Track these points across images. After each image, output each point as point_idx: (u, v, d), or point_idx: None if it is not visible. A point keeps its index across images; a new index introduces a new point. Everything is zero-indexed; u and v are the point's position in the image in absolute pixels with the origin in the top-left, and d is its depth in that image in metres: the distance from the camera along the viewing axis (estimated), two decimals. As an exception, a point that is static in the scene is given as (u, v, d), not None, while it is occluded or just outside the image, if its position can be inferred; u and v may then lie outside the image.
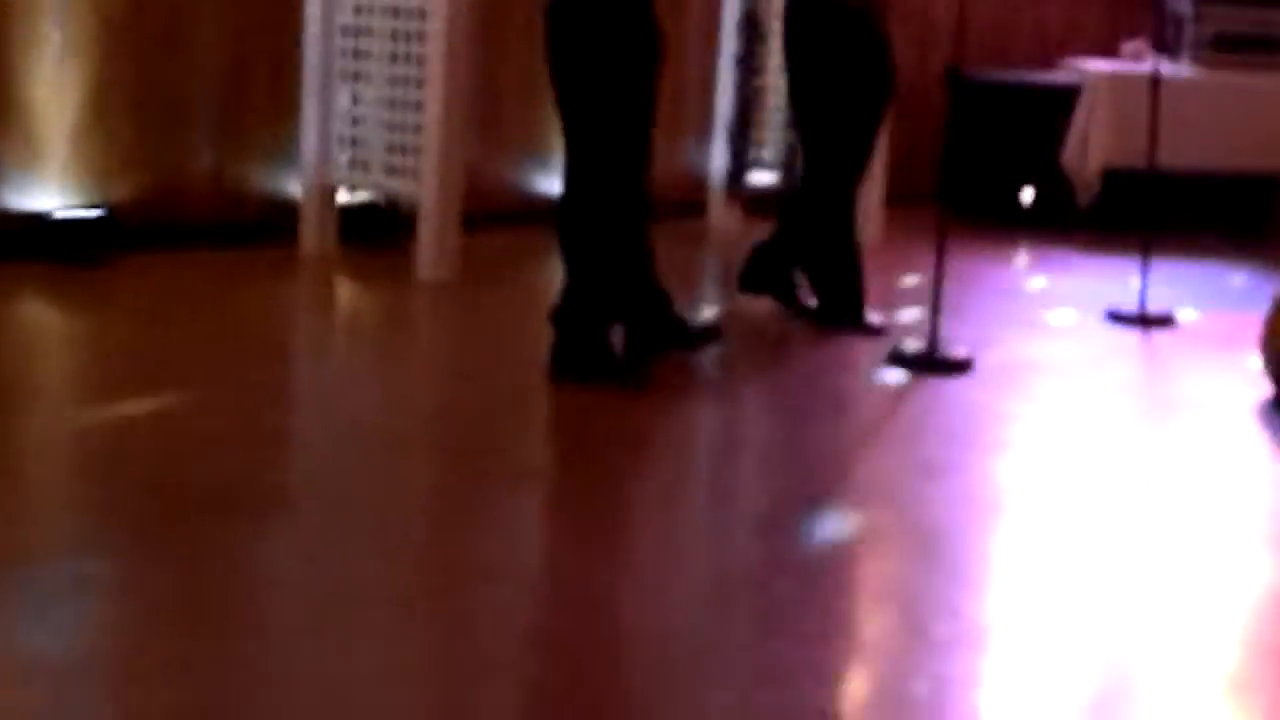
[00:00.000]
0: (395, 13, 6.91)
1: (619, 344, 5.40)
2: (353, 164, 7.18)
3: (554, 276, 7.37)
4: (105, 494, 3.95)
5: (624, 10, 5.20)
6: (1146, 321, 6.70)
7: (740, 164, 8.57)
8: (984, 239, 8.46)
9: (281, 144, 7.40)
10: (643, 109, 5.28)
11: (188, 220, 7.22)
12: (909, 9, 8.98)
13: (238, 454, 4.32)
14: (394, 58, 6.94)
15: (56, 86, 6.83)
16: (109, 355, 5.49)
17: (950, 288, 6.08)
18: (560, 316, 5.32)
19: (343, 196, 7.38)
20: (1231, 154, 8.85)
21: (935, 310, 5.82)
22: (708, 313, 6.31)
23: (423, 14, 6.74)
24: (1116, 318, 6.77)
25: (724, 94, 8.51)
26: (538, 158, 8.38)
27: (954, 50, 6.74)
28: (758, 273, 6.46)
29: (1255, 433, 5.15)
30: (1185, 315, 6.86)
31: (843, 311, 6.33)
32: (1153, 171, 7.16)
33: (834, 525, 4.04)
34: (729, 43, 8.47)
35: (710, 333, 5.67)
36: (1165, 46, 9.34)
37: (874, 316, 6.35)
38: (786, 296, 6.45)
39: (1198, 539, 4.03)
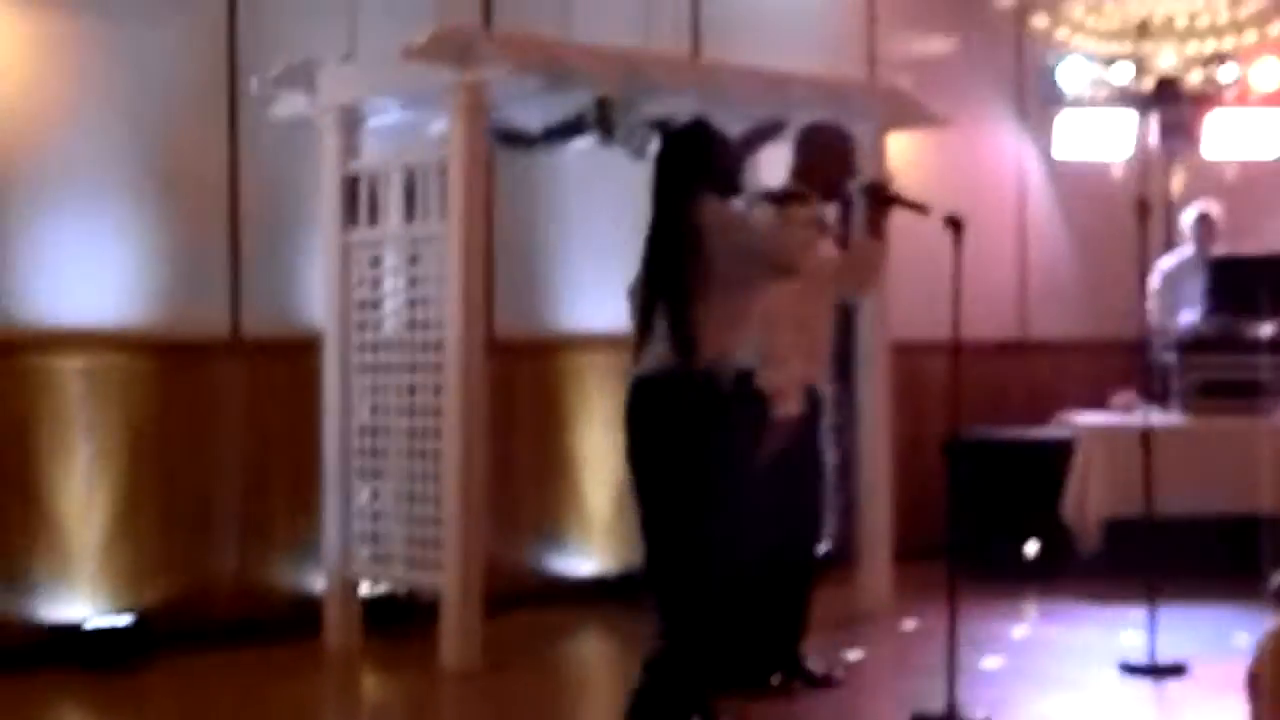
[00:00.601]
0: (411, 412, 7.18)
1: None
2: (374, 558, 7.38)
3: (576, 657, 7.50)
4: None
5: (701, 385, 5.48)
6: (1158, 672, 6.81)
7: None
8: (992, 592, 8.57)
9: (304, 541, 7.61)
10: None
11: (215, 620, 7.40)
12: (903, 374, 9.25)
13: None
14: (411, 454, 7.18)
15: (86, 497, 7.07)
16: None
17: (963, 644, 6.18)
18: (655, 666, 5.50)
19: (365, 589, 7.55)
20: (1223, 498, 9.04)
21: (951, 673, 5.94)
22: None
23: (438, 412, 7.00)
24: (1129, 669, 6.88)
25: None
26: (551, 538, 8.57)
27: (950, 413, 6.98)
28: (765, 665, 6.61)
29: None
30: (1195, 663, 6.95)
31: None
32: (1151, 520, 7.34)
33: None
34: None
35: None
36: (1153, 396, 9.61)
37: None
38: (799, 673, 6.60)
39: None
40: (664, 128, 7.55)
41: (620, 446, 5.80)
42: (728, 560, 5.60)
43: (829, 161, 6.63)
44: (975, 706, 6.00)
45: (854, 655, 7.29)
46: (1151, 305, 10.11)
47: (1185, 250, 10.14)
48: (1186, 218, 10.18)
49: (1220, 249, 9.97)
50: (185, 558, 7.36)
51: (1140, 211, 7.13)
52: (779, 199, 6.38)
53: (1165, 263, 10.16)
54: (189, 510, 7.38)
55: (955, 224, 6.00)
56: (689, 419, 5.51)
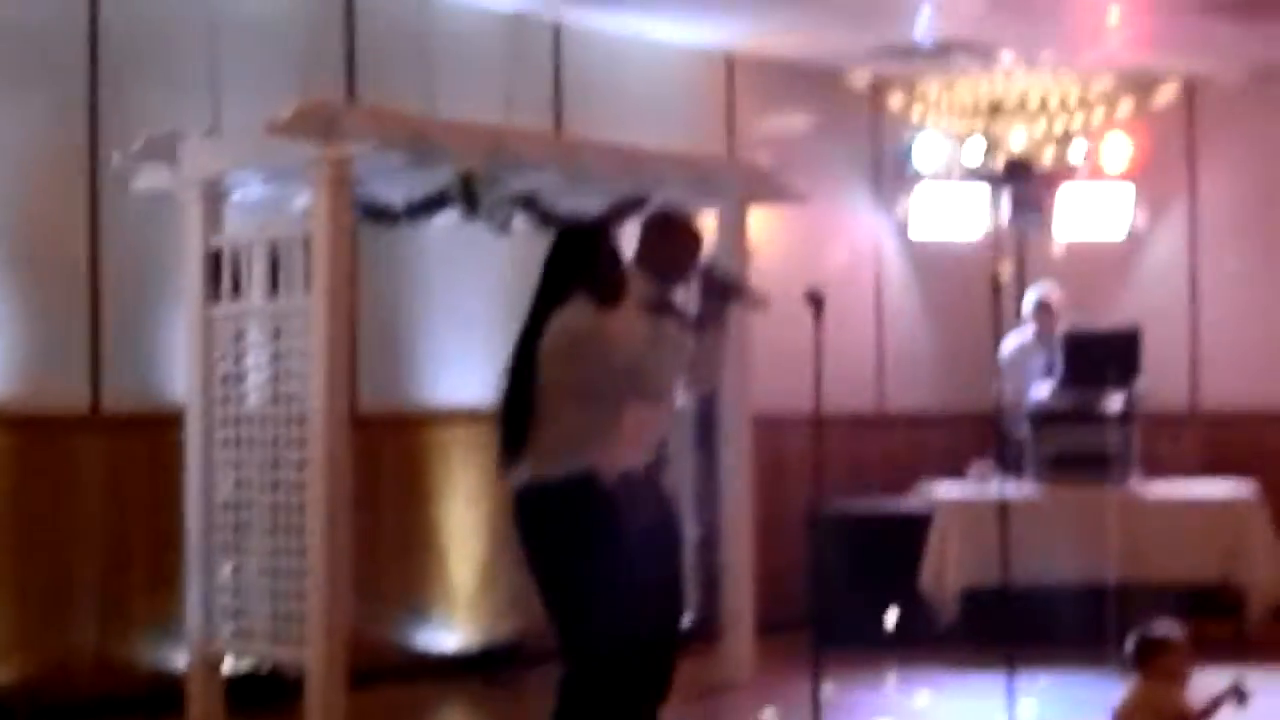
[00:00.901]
0: (274, 486, 7.15)
1: None
2: (237, 634, 7.31)
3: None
4: None
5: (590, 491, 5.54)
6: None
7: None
8: (853, 663, 8.64)
9: (165, 618, 7.53)
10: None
11: (75, 698, 7.30)
12: (763, 447, 9.32)
13: None
14: (275, 529, 7.14)
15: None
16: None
17: (826, 715, 6.25)
18: None
19: (227, 665, 7.48)
20: (1076, 567, 9.20)
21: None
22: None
23: (302, 486, 6.98)
24: (988, 739, 6.99)
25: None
26: (415, 613, 8.55)
27: (811, 485, 7.09)
28: None
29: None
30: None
31: None
32: (1008, 590, 7.46)
33: None
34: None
35: None
36: (1008, 468, 9.79)
37: None
38: None
39: None
40: (529, 204, 7.65)
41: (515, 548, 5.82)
42: (616, 641, 5.67)
43: (672, 249, 6.51)
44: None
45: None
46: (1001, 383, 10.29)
47: (1025, 331, 10.33)
48: (1026, 302, 10.38)
49: (1068, 324, 10.16)
50: (44, 635, 7.26)
51: (994, 288, 7.28)
52: (655, 307, 6.23)
53: (1007, 344, 10.34)
54: (48, 586, 7.29)
55: (816, 300, 6.09)
56: (570, 530, 5.58)
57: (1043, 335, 10.18)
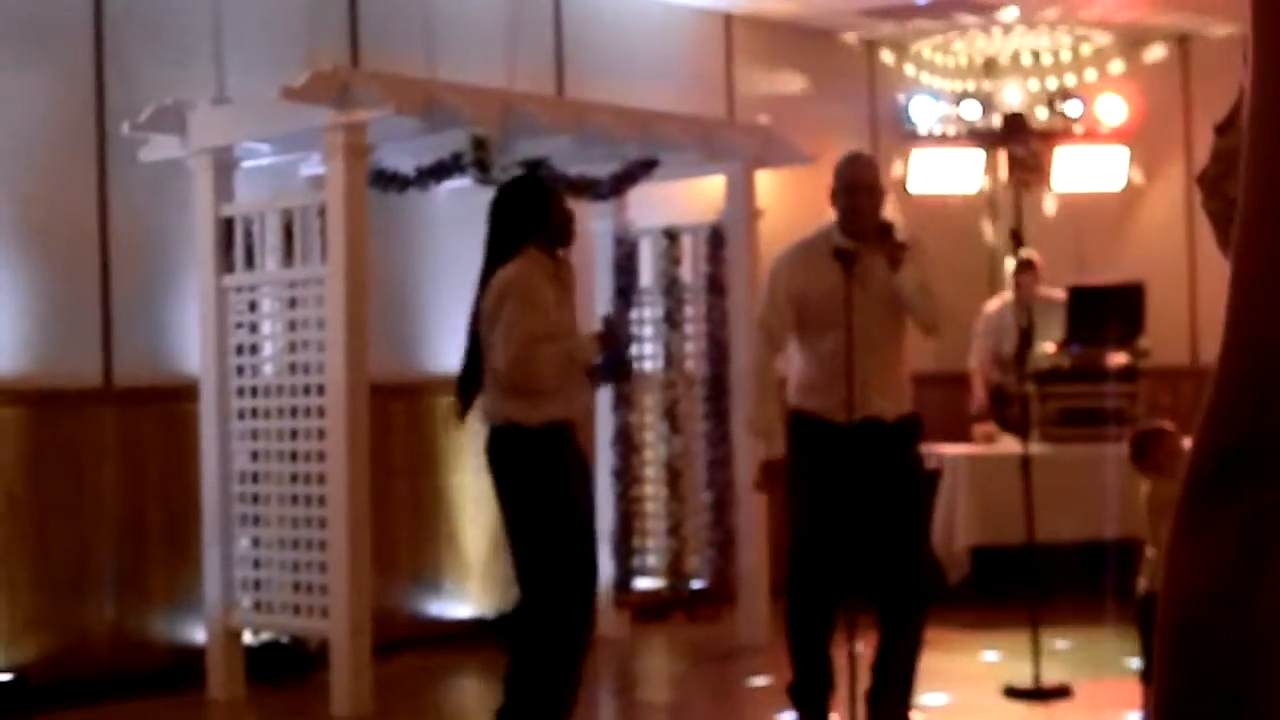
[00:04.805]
0: (292, 457, 7.09)
1: None
2: (257, 606, 7.27)
3: (466, 700, 7.46)
4: None
5: (559, 437, 5.56)
6: (1044, 696, 6.91)
7: (626, 571, 8.77)
8: (865, 623, 8.62)
9: (183, 592, 7.48)
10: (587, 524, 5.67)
11: (95, 675, 7.24)
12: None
13: None
14: (293, 500, 7.09)
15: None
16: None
17: (838, 679, 6.26)
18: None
19: (247, 638, 7.43)
20: (1088, 523, 9.20)
21: (852, 702, 6.00)
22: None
23: (320, 456, 6.93)
24: (1014, 693, 6.98)
25: (605, 504, 8.72)
26: (428, 583, 8.51)
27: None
28: None
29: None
30: (1076, 686, 7.07)
31: None
32: (1031, 546, 7.46)
33: None
34: (605, 455, 8.72)
35: None
36: (1012, 427, 9.77)
37: None
38: None
39: None
40: (538, 169, 7.60)
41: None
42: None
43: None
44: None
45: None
46: (975, 346, 10.25)
47: (1007, 294, 10.21)
48: (1009, 264, 10.30)
49: (1070, 280, 10.11)
50: (62, 612, 7.20)
51: (1015, 240, 7.27)
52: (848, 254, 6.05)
53: (990, 305, 10.31)
54: (65, 563, 7.23)
55: (847, 257, 6.05)
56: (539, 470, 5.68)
57: (1022, 297, 10.09)
